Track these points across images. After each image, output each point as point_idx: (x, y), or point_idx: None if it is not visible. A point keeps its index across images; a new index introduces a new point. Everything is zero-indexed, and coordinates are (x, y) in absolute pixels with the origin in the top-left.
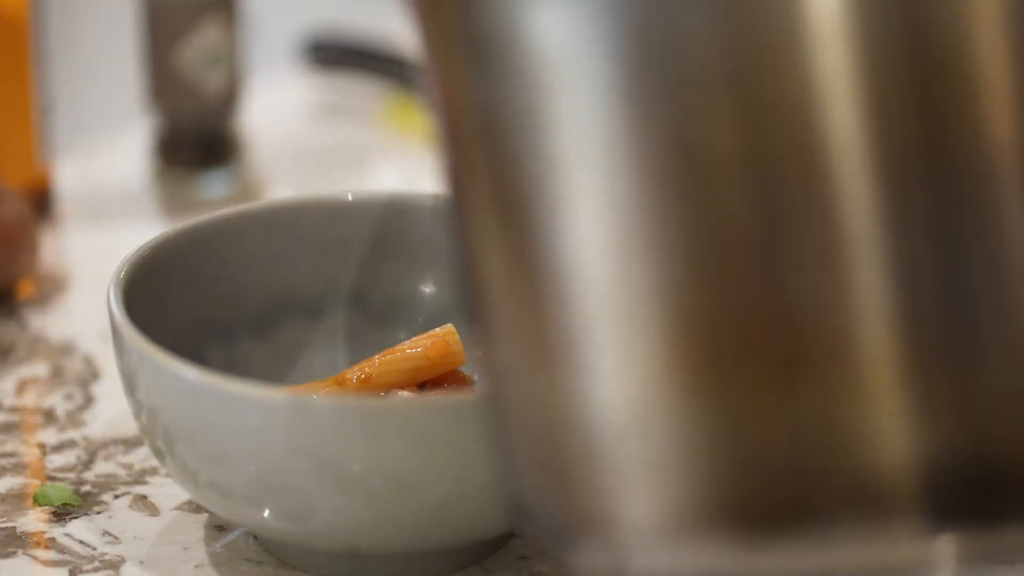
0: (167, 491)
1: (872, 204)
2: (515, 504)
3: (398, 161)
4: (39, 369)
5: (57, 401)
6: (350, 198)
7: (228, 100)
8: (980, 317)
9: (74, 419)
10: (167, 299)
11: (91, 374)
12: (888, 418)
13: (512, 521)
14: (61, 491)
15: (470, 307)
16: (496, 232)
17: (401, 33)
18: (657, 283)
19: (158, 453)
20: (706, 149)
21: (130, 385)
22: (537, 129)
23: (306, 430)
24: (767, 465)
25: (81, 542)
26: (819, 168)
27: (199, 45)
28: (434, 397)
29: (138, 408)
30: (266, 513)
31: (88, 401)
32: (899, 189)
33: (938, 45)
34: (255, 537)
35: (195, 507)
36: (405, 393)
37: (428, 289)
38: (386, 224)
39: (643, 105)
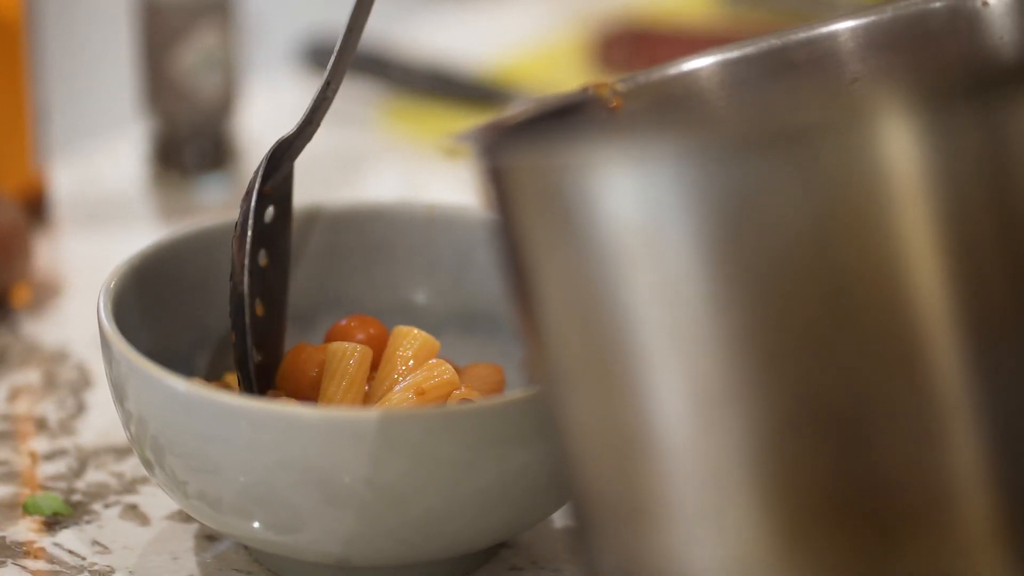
0: (157, 501)
1: (962, 365)
2: None
3: (396, 166)
4: (32, 376)
5: (49, 409)
6: (342, 206)
7: (225, 104)
8: None
9: (66, 427)
10: (157, 308)
11: (84, 382)
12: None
13: None
14: (52, 500)
15: (560, 460)
16: (585, 398)
17: (399, 36)
18: (744, 451)
19: (147, 464)
20: (790, 317)
21: (119, 395)
22: (619, 295)
23: (295, 442)
24: None
25: (71, 552)
26: (906, 332)
27: (196, 49)
28: (423, 409)
29: (127, 418)
30: (256, 524)
31: (80, 409)
32: (990, 348)
33: None
34: (246, 547)
35: (185, 517)
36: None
37: (421, 298)
38: (379, 232)
39: (723, 273)
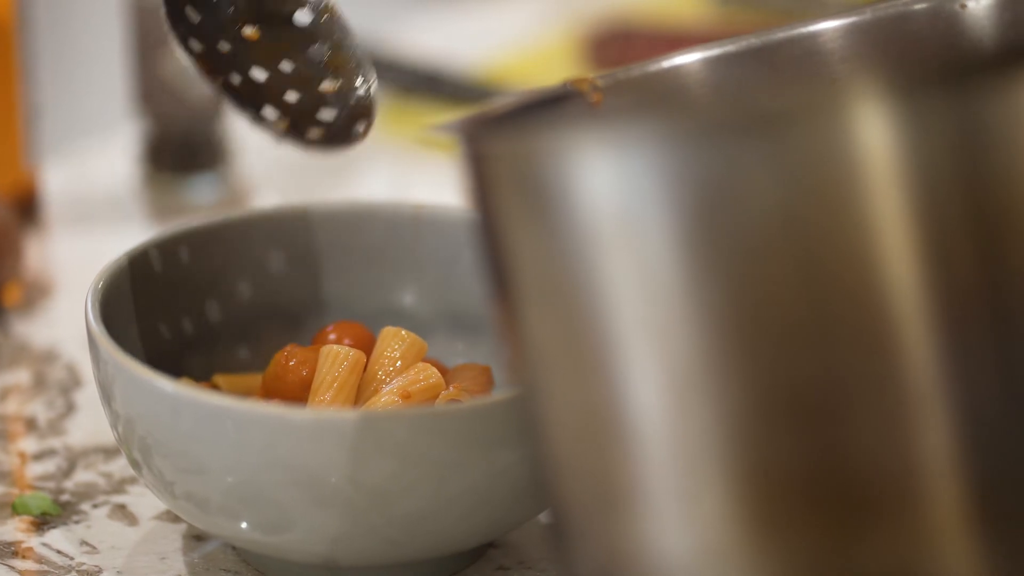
0: (146, 501)
1: (934, 352)
2: None
3: (387, 167)
4: (22, 376)
5: (39, 409)
6: (331, 206)
7: (215, 105)
8: None
9: (55, 427)
10: (146, 308)
11: (73, 382)
12: (957, 563)
13: None
14: (40, 500)
15: (536, 449)
16: (561, 384)
17: (389, 36)
18: (718, 437)
19: (135, 464)
20: (764, 304)
21: (107, 396)
22: (595, 280)
23: (282, 442)
24: None
25: (59, 552)
26: (879, 319)
27: None
28: (409, 409)
29: (115, 419)
30: (243, 525)
31: (69, 409)
32: (961, 335)
33: (996, 187)
34: (233, 547)
35: (173, 517)
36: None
37: (409, 299)
38: (367, 233)
39: (699, 258)
